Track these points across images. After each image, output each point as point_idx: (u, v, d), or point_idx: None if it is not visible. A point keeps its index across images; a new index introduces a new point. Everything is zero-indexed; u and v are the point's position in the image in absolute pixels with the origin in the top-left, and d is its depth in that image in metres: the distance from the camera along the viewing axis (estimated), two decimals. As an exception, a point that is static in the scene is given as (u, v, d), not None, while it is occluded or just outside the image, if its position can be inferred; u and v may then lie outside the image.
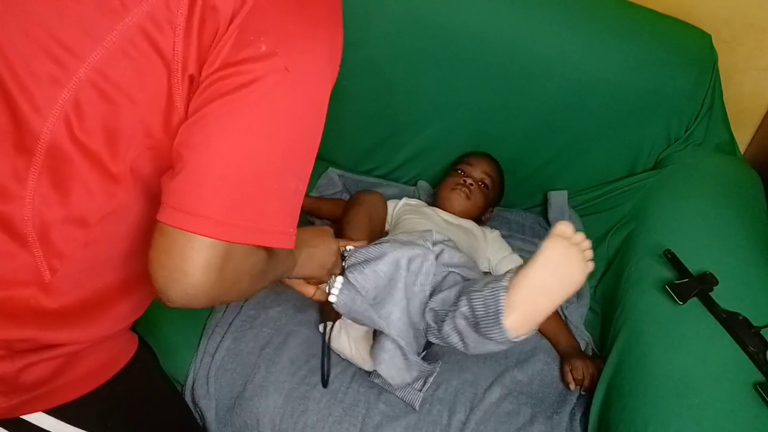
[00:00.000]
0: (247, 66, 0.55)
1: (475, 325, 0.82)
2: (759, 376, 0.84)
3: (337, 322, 1.03)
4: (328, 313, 1.05)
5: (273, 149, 0.57)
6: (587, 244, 0.82)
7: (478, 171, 1.31)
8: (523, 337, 0.80)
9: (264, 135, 0.57)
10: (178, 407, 0.92)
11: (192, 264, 0.53)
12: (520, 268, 0.81)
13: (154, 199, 0.61)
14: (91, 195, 0.60)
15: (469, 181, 1.29)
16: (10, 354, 0.61)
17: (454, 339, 0.86)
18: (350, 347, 1.01)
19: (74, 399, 0.66)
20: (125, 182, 0.61)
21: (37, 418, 0.64)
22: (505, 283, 0.80)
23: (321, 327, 1.06)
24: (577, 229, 1.32)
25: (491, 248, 1.25)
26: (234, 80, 0.55)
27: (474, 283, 0.87)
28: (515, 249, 1.28)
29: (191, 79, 0.58)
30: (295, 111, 0.58)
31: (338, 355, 1.05)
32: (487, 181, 1.31)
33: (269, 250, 0.64)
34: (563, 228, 0.80)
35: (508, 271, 0.83)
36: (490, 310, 0.80)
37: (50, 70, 0.57)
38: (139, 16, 0.56)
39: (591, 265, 0.81)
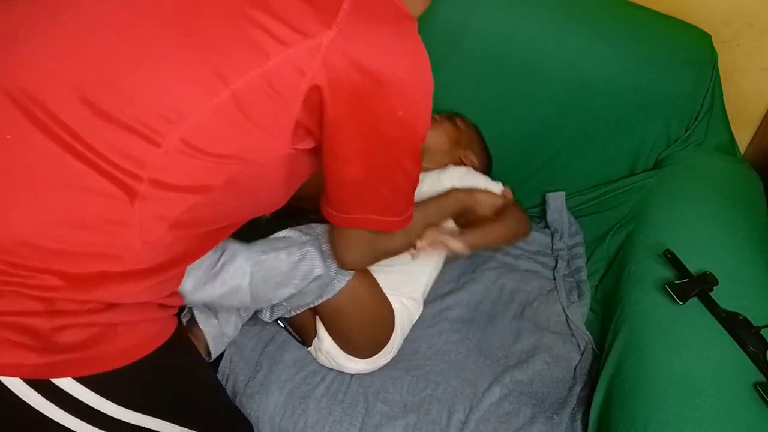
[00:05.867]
0: None
1: None
2: (759, 376, 0.84)
3: (313, 344, 1.04)
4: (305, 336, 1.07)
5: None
6: None
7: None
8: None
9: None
10: (218, 387, 0.91)
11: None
12: None
13: (238, 186, 0.70)
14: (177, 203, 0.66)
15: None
16: (48, 312, 0.62)
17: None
18: (328, 361, 1.02)
19: (107, 371, 0.66)
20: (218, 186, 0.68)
21: (70, 386, 0.64)
22: None
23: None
24: (575, 230, 1.35)
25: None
26: None
27: None
28: (515, 248, 1.27)
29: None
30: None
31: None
32: (458, 120, 1.27)
33: None
34: None
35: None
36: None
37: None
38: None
39: None
